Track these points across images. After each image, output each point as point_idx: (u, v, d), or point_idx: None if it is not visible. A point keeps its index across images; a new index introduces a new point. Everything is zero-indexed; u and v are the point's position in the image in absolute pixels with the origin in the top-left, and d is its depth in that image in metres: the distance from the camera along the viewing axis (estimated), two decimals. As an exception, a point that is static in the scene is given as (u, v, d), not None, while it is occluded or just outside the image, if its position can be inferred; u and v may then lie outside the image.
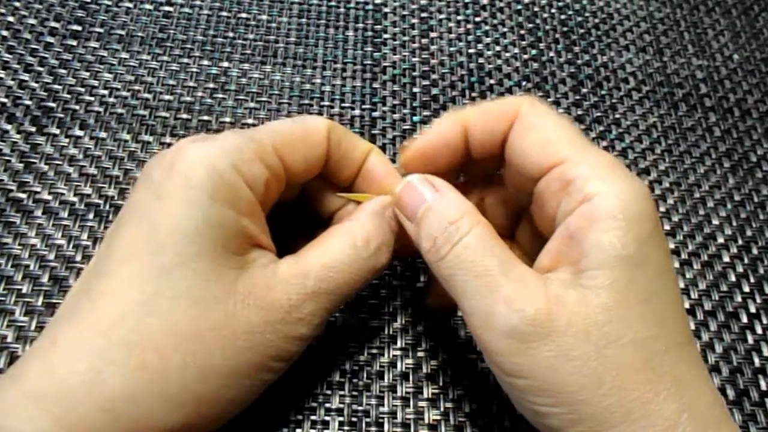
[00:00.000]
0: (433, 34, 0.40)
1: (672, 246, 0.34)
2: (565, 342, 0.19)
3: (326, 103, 0.36)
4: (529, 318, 0.19)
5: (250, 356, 0.21)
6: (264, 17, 0.39)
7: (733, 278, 0.33)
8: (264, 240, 0.23)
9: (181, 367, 0.19)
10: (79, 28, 0.37)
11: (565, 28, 0.42)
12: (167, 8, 0.39)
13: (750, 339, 0.31)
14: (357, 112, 0.36)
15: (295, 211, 0.27)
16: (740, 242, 0.34)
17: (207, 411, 0.20)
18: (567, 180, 0.21)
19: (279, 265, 0.22)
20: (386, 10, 0.41)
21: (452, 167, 0.25)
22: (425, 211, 0.22)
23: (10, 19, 0.37)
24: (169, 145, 0.34)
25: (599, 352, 0.19)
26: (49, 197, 0.31)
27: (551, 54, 0.40)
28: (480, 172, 0.26)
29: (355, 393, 0.28)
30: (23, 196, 0.31)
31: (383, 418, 0.27)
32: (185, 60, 0.37)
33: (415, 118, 0.36)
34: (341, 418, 0.27)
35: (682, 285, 0.33)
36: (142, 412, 0.19)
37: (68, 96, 0.34)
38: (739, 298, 0.32)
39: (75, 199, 0.31)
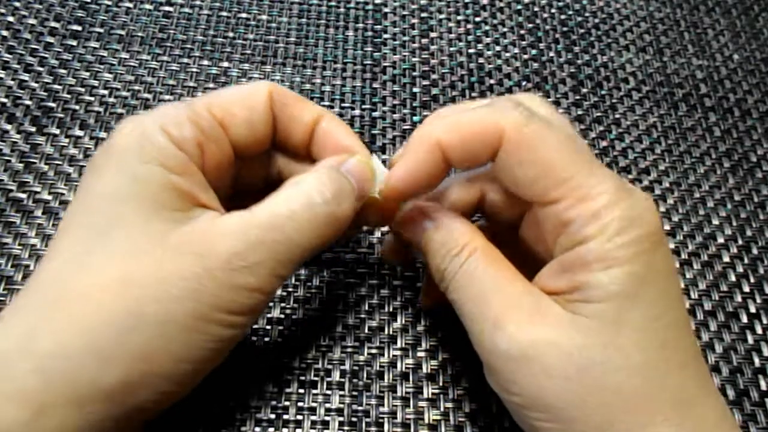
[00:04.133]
0: (433, 34, 0.40)
1: (672, 246, 0.34)
2: (545, 361, 0.19)
3: (326, 103, 0.36)
4: (512, 338, 0.20)
5: (190, 305, 0.19)
6: (264, 17, 0.39)
7: (733, 278, 0.33)
8: (206, 200, 0.22)
9: (108, 318, 0.19)
10: (79, 28, 0.37)
11: (565, 28, 0.42)
12: (167, 8, 0.39)
13: (750, 339, 0.31)
14: (357, 112, 0.36)
15: None
16: (740, 242, 0.34)
17: (145, 367, 0.19)
18: (563, 221, 0.20)
19: (222, 218, 0.21)
20: (386, 10, 0.41)
21: (438, 182, 0.24)
22: (427, 242, 0.23)
23: (10, 19, 0.37)
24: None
25: (581, 374, 0.19)
26: (49, 197, 0.31)
27: (551, 54, 0.40)
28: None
29: (355, 393, 0.28)
30: (23, 196, 0.31)
31: (383, 418, 0.27)
32: (185, 60, 0.37)
33: (415, 118, 0.36)
34: (341, 418, 0.27)
35: (682, 285, 0.33)
36: (73, 367, 0.18)
37: (68, 96, 0.34)
38: (739, 298, 0.32)
39: (75, 199, 0.31)
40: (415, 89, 0.38)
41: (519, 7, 0.42)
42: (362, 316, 0.30)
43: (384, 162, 0.34)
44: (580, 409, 0.19)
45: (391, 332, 0.29)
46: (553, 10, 0.42)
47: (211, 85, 0.36)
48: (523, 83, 0.39)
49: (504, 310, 0.20)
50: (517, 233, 0.25)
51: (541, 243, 0.23)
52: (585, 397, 0.19)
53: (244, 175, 0.26)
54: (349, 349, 0.29)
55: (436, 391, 0.28)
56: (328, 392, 0.28)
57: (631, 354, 0.19)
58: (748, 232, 0.35)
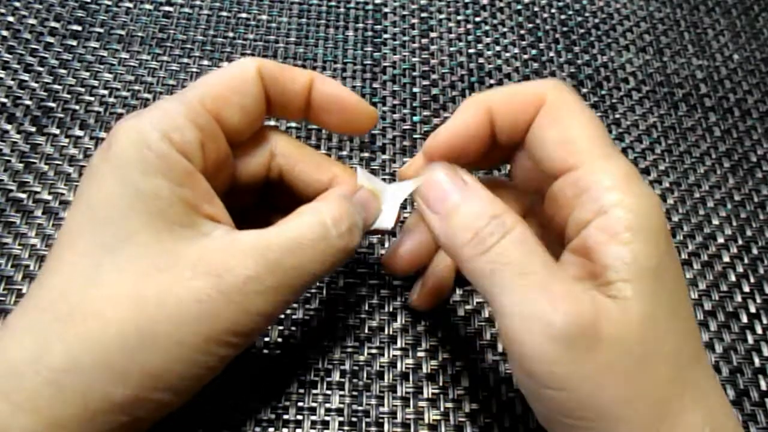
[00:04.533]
0: (433, 34, 0.40)
1: (672, 246, 0.34)
2: (611, 354, 0.18)
3: (326, 103, 0.36)
4: (579, 323, 0.18)
5: (202, 327, 0.20)
6: (264, 17, 0.39)
7: (733, 278, 0.33)
8: (213, 211, 0.22)
9: (122, 335, 0.19)
10: (79, 28, 0.37)
11: (565, 28, 0.42)
12: (167, 8, 0.39)
13: (750, 339, 0.31)
14: (357, 112, 0.36)
15: (282, 202, 0.27)
16: (740, 242, 0.34)
17: (155, 384, 0.19)
18: (582, 187, 0.20)
19: (238, 235, 0.21)
20: (386, 10, 0.41)
21: (478, 156, 0.24)
22: (455, 206, 0.21)
23: (10, 19, 0.37)
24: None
25: (638, 366, 0.18)
26: (49, 197, 0.31)
27: (551, 54, 0.40)
28: (487, 167, 0.26)
29: (355, 393, 0.28)
30: (23, 196, 0.31)
31: (383, 418, 0.27)
32: (185, 60, 0.37)
33: (415, 118, 0.36)
34: (341, 418, 0.27)
35: (682, 285, 0.33)
36: (86, 382, 0.18)
37: (68, 96, 0.34)
38: (739, 298, 0.32)
39: (75, 199, 0.31)
40: (415, 89, 0.38)
41: (519, 7, 0.42)
42: (362, 316, 0.30)
43: (384, 167, 0.35)
44: (632, 405, 0.18)
45: (391, 332, 0.29)
46: (553, 10, 0.42)
47: (211, 85, 0.36)
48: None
49: (566, 293, 0.18)
50: None
51: (555, 225, 0.22)
52: (641, 392, 0.18)
53: (243, 173, 0.25)
54: (349, 349, 0.29)
55: (436, 391, 0.28)
56: (328, 392, 0.28)
57: (666, 341, 0.19)
58: (748, 232, 0.35)
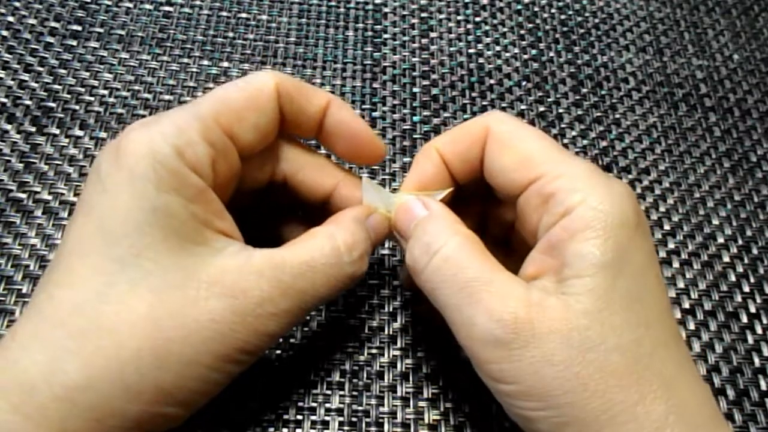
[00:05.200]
0: (433, 34, 0.40)
1: (672, 246, 0.34)
2: (547, 347, 0.19)
3: (326, 103, 0.36)
4: (510, 326, 0.19)
5: (215, 346, 0.20)
6: (264, 17, 0.39)
7: (733, 278, 0.33)
8: (225, 227, 0.22)
9: (138, 354, 0.19)
10: (79, 28, 0.37)
11: (565, 28, 0.42)
12: (167, 8, 0.39)
13: (750, 339, 0.31)
14: (357, 112, 0.36)
15: (284, 203, 0.27)
16: (740, 242, 0.34)
17: (168, 400, 0.20)
18: (546, 195, 0.21)
19: (253, 254, 0.21)
20: (386, 10, 0.41)
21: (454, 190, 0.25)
22: (414, 228, 0.23)
23: (10, 19, 0.37)
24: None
25: (582, 356, 0.19)
26: (49, 197, 0.31)
27: (551, 54, 0.40)
28: (481, 183, 0.26)
29: (355, 393, 0.28)
30: (23, 196, 0.31)
31: (383, 418, 0.27)
32: (185, 60, 0.37)
33: (415, 118, 0.37)
34: (341, 418, 0.27)
35: (681, 285, 0.33)
36: (100, 399, 0.19)
37: (68, 96, 0.34)
38: (739, 298, 0.32)
39: (75, 199, 0.31)
40: (415, 89, 0.38)
41: (519, 7, 0.42)
42: (362, 316, 0.30)
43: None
44: (579, 393, 0.19)
45: (391, 332, 0.29)
46: (553, 10, 0.42)
47: (211, 85, 0.36)
48: (523, 83, 0.39)
49: (498, 300, 0.20)
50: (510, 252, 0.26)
51: (531, 238, 0.23)
52: (586, 382, 0.19)
53: (247, 179, 0.25)
54: (349, 349, 0.29)
55: (436, 391, 0.28)
56: (328, 392, 0.28)
57: (622, 332, 0.19)
58: (748, 232, 0.35)
